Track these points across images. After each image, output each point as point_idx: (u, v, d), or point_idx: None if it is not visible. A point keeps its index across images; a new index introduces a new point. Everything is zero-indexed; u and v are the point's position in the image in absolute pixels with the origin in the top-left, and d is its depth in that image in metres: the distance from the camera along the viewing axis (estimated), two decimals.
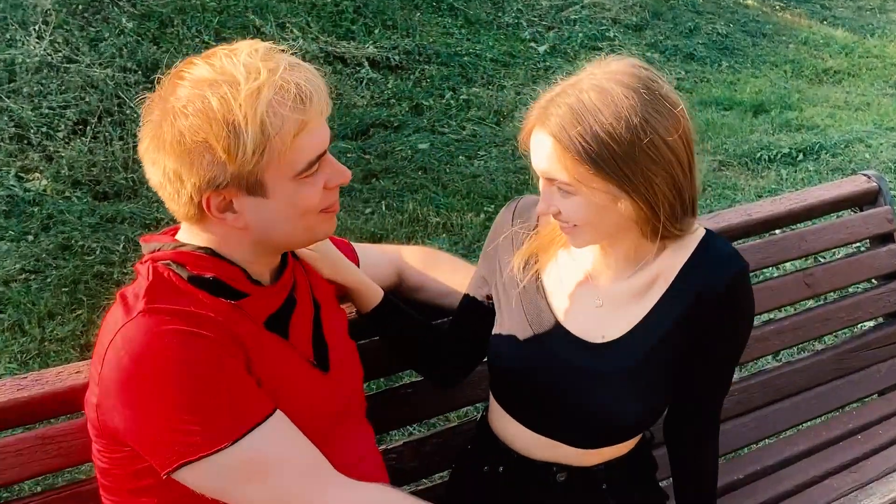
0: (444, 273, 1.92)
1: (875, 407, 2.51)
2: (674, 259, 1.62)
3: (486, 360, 1.84)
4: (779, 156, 5.98)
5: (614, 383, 1.63)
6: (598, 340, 1.65)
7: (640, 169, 1.48)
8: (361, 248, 1.82)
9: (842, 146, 6.12)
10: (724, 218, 2.36)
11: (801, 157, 5.99)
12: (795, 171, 5.75)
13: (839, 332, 2.66)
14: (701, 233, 1.64)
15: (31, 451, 1.56)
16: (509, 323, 1.73)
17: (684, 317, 1.61)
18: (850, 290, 2.66)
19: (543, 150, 1.52)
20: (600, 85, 1.49)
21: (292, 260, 1.59)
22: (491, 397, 1.80)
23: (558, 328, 1.68)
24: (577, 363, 1.65)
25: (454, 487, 1.89)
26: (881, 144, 6.19)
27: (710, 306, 1.60)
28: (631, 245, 1.63)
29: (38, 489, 1.63)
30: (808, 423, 2.45)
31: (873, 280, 2.66)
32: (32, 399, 1.57)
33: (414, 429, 2.20)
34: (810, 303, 2.59)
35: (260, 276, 1.50)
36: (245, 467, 1.35)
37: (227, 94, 1.33)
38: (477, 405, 1.89)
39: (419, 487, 2.03)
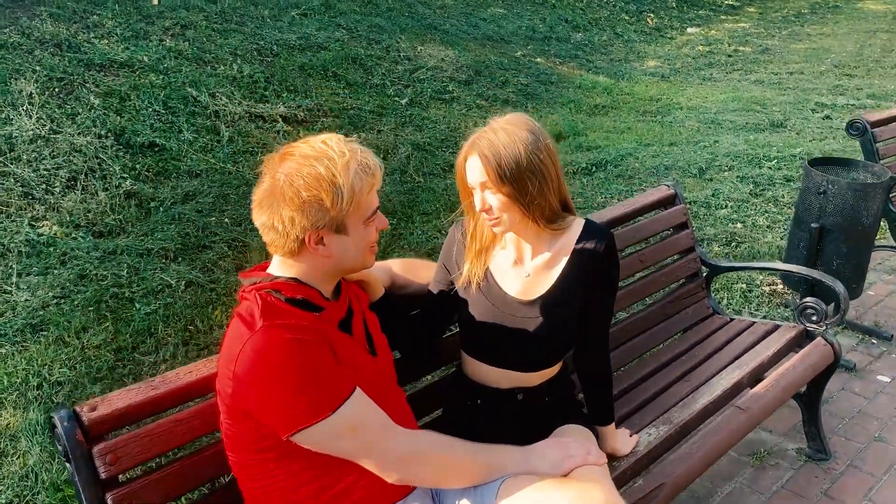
0: (421, 273, 2.00)
1: (687, 337, 2.77)
2: (568, 239, 1.82)
3: (456, 328, 1.96)
4: (580, 169, 6.30)
5: (542, 324, 1.81)
6: (530, 298, 1.83)
7: (523, 187, 1.70)
8: None
9: (619, 159, 6.49)
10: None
11: (594, 168, 6.31)
12: (592, 179, 6.09)
13: (663, 290, 2.89)
14: (582, 220, 1.84)
15: (168, 432, 1.59)
16: (472, 299, 1.87)
17: (581, 273, 1.81)
18: (666, 262, 2.89)
19: (477, 167, 1.70)
20: (506, 129, 1.70)
21: (344, 282, 1.68)
22: (462, 353, 1.93)
23: (503, 294, 1.84)
24: (519, 315, 1.82)
25: (445, 418, 2.01)
26: (644, 156, 6.61)
27: (595, 263, 1.80)
28: (535, 235, 1.82)
29: (179, 455, 1.66)
30: (652, 350, 2.68)
31: (676, 255, 2.93)
32: (162, 395, 1.60)
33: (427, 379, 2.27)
34: (642, 273, 2.82)
35: (328, 295, 1.57)
36: (340, 429, 1.42)
37: (329, 165, 1.44)
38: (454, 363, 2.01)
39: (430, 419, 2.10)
